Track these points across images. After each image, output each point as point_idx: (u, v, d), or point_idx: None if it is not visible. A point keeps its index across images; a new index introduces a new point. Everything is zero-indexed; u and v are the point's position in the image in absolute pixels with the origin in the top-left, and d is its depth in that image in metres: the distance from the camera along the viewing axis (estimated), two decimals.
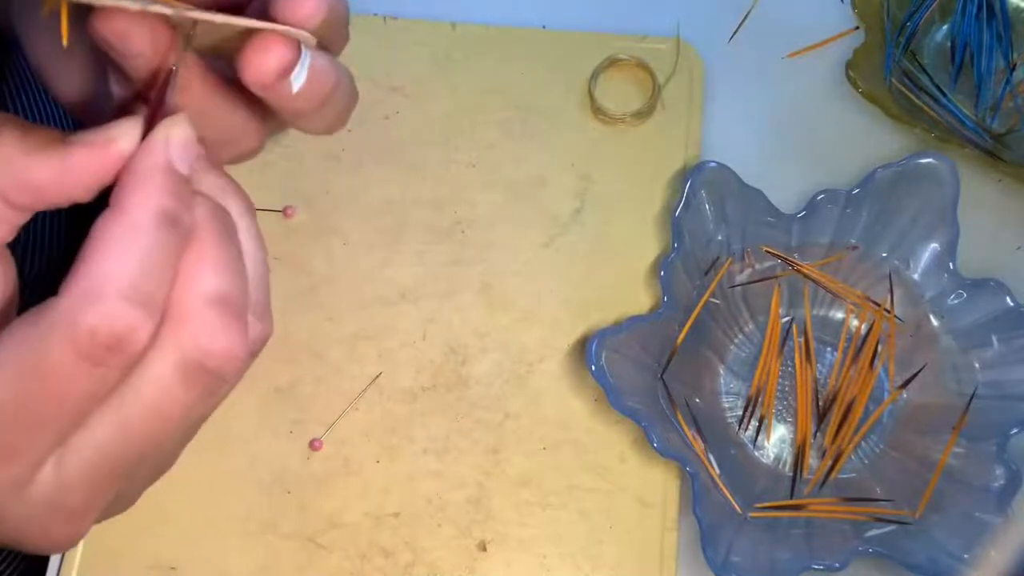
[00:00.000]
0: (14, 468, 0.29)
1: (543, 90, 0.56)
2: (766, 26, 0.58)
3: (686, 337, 0.49)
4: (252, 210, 0.32)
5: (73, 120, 0.62)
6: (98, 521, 0.32)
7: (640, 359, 0.48)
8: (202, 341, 0.29)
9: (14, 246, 0.37)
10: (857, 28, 0.58)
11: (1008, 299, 0.48)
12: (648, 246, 0.53)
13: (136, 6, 0.30)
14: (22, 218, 0.30)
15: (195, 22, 0.31)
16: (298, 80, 0.32)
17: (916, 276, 0.51)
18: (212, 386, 0.30)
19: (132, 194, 0.28)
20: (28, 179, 0.29)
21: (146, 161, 0.29)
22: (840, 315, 0.51)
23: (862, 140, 0.55)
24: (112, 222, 0.28)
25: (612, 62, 0.56)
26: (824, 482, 0.48)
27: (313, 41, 0.32)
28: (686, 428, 0.47)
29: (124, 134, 0.29)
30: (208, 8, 0.32)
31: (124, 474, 0.30)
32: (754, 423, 0.50)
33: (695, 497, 0.45)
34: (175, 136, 0.29)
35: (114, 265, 0.27)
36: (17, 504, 0.29)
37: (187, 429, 0.32)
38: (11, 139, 0.29)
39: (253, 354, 0.32)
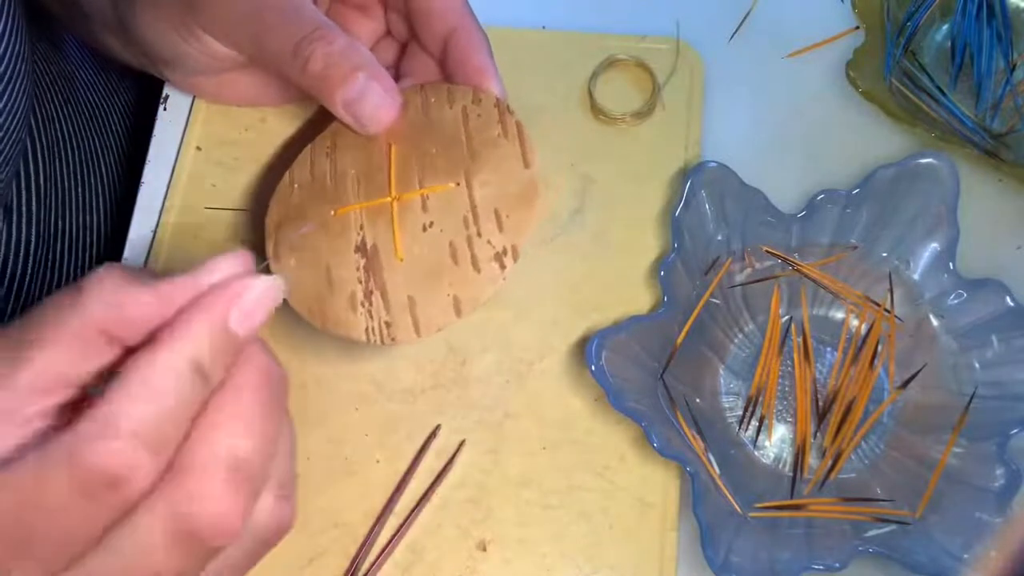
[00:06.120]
0: None
1: (543, 90, 0.56)
2: (766, 26, 0.58)
3: (686, 337, 0.49)
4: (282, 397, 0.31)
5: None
6: None
7: (640, 359, 0.48)
8: (201, 502, 0.27)
9: None
10: (857, 28, 0.58)
11: (1008, 299, 0.48)
12: (648, 246, 0.53)
13: None
14: (114, 356, 0.30)
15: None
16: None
17: (916, 276, 0.51)
18: (199, 554, 0.28)
19: (172, 338, 0.28)
20: (126, 313, 0.29)
21: (202, 309, 0.28)
22: (840, 315, 0.51)
23: (862, 140, 0.55)
24: (144, 361, 0.28)
25: (612, 62, 0.56)
26: (824, 482, 0.48)
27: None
28: (686, 428, 0.47)
29: (223, 271, 0.29)
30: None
31: None
32: (754, 423, 0.50)
33: (695, 497, 0.45)
34: (250, 297, 0.29)
35: (132, 404, 0.27)
36: None
37: None
38: (116, 277, 0.29)
39: (269, 543, 0.31)
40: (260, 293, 0.29)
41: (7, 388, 0.28)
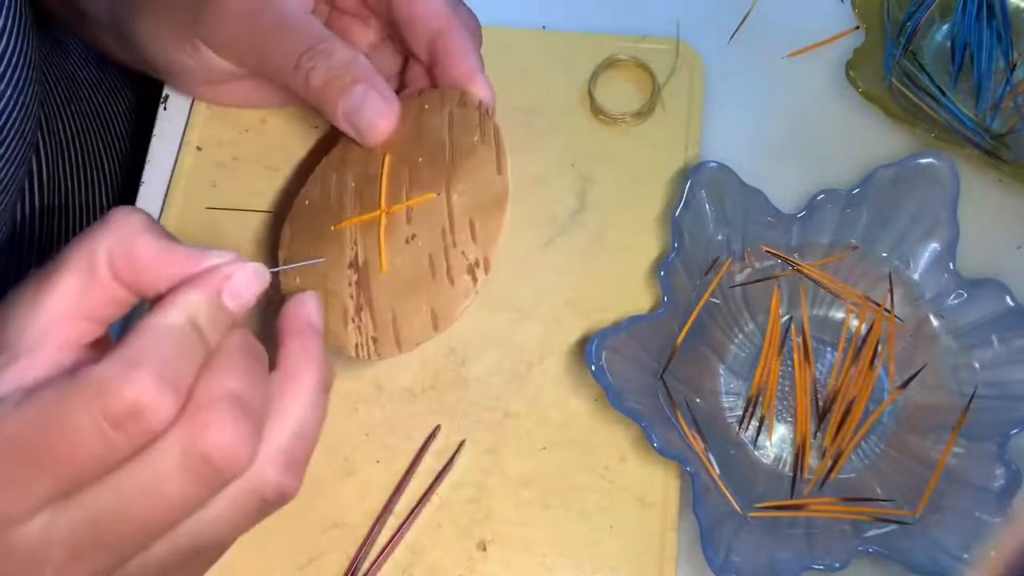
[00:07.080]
0: (5, 503, 0.30)
1: (543, 90, 0.56)
2: (766, 26, 0.58)
3: (686, 337, 0.49)
4: (326, 385, 0.37)
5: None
6: None
7: (640, 359, 0.48)
8: (211, 431, 0.31)
9: None
10: (857, 28, 0.58)
11: (1008, 299, 0.48)
12: (648, 246, 0.53)
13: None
14: (125, 297, 0.34)
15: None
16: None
17: (916, 276, 0.51)
18: (212, 481, 0.31)
19: (175, 301, 0.32)
20: (135, 252, 0.33)
21: (199, 283, 0.33)
22: (840, 315, 0.51)
23: (862, 140, 0.55)
24: (154, 317, 0.31)
25: (612, 62, 0.56)
26: (824, 482, 0.48)
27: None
28: (686, 428, 0.47)
29: (219, 259, 0.33)
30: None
31: (109, 551, 0.31)
32: (754, 423, 0.50)
33: (695, 497, 0.45)
34: (239, 278, 0.33)
35: (151, 347, 0.30)
36: None
37: (192, 545, 0.33)
38: (135, 221, 0.33)
39: (268, 502, 0.34)
40: (249, 276, 0.33)
41: (34, 319, 0.32)
